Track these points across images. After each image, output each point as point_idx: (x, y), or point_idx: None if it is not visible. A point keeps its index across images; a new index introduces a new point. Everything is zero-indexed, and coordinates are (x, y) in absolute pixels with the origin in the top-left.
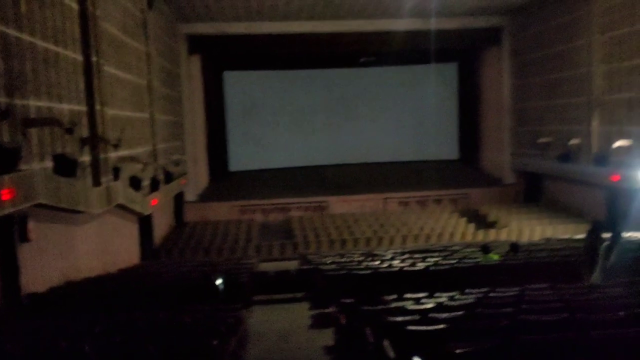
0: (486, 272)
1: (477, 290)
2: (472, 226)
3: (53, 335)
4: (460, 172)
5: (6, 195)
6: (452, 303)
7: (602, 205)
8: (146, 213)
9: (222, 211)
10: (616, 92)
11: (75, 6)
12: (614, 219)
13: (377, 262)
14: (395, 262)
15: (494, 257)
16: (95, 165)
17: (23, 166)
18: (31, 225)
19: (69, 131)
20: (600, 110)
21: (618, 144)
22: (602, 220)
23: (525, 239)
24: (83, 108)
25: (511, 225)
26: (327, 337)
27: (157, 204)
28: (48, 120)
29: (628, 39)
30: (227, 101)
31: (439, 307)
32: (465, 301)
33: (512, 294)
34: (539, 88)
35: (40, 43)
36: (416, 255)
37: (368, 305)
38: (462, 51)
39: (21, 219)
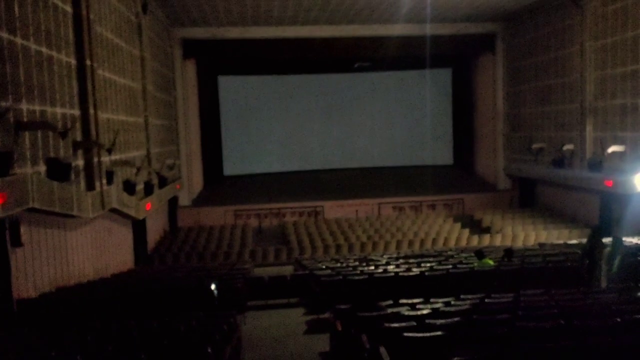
0: (481, 278)
1: (472, 295)
2: (466, 231)
3: (44, 344)
4: (455, 178)
5: None
6: (448, 309)
7: (596, 211)
8: (140, 217)
9: (217, 216)
10: (609, 99)
11: (69, 9)
12: (608, 224)
13: (372, 268)
14: (391, 268)
15: (489, 262)
16: (89, 169)
17: (16, 170)
18: (23, 229)
19: (62, 135)
20: (594, 116)
21: (612, 149)
22: (602, 225)
23: (519, 244)
24: (76, 112)
25: (505, 231)
26: (322, 342)
27: (151, 209)
28: (41, 124)
29: (620, 46)
30: (222, 106)
31: (435, 313)
32: (461, 307)
33: (507, 300)
34: (532, 94)
35: (34, 46)
36: (411, 261)
37: (364, 311)
38: (456, 57)
39: (13, 224)
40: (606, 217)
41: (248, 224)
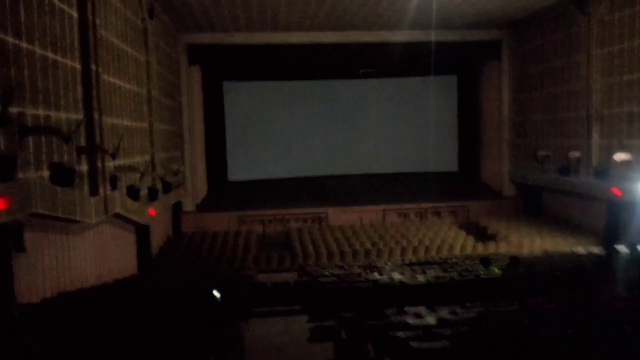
0: (486, 286)
1: (478, 304)
2: (471, 239)
3: (43, 353)
4: (460, 185)
5: (1, 204)
6: (454, 318)
7: (602, 219)
8: (144, 223)
9: (221, 221)
10: (616, 106)
11: (74, 14)
12: (614, 232)
13: (377, 275)
14: (395, 275)
15: (495, 270)
16: (93, 174)
17: (19, 175)
18: (26, 234)
19: (67, 140)
20: (600, 124)
21: (618, 157)
22: (620, 234)
23: (525, 251)
24: (81, 117)
25: (511, 238)
26: (326, 350)
27: (155, 214)
28: (45, 129)
29: (628, 53)
30: (227, 111)
31: (441, 322)
32: (467, 316)
33: (513, 308)
34: (538, 101)
35: (39, 51)
36: (416, 268)
37: (368, 319)
38: (462, 64)
39: (17, 229)
40: (612, 225)
41: (252, 229)
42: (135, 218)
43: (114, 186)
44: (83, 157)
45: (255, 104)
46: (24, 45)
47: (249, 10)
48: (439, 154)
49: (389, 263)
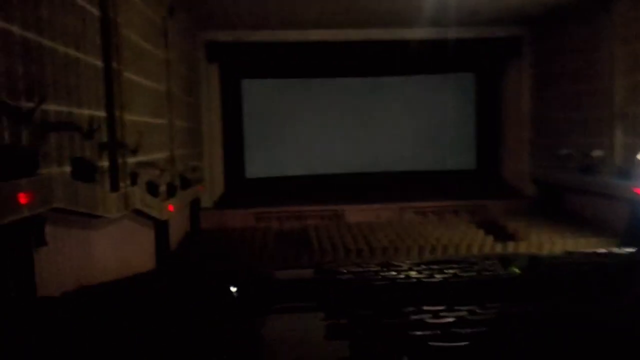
0: (506, 286)
1: (498, 304)
2: (490, 238)
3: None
4: (478, 183)
5: (24, 198)
6: (474, 317)
7: (624, 219)
8: (163, 219)
9: (238, 218)
10: (639, 104)
11: (96, 12)
12: (636, 233)
13: (394, 273)
14: (413, 273)
15: (514, 270)
16: (114, 170)
17: (41, 170)
18: (47, 228)
19: (88, 136)
20: (623, 122)
21: None
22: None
23: (545, 252)
24: (102, 113)
25: (531, 238)
26: (342, 348)
27: (173, 210)
28: (67, 125)
29: None
30: (245, 109)
31: (461, 322)
32: (487, 316)
33: (536, 309)
34: (559, 99)
35: (61, 48)
36: (434, 267)
37: (386, 317)
38: (481, 61)
39: (38, 223)
40: (635, 225)
41: (269, 226)
42: (154, 214)
43: (134, 182)
44: (104, 153)
45: (274, 101)
46: (47, 42)
47: (268, 8)
48: (457, 152)
49: (406, 261)
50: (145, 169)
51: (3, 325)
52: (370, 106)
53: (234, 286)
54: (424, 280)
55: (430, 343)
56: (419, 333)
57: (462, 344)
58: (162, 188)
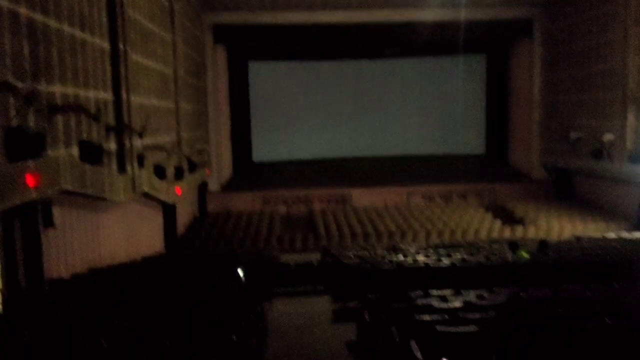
0: (515, 271)
1: (506, 289)
2: (498, 222)
3: (71, 326)
4: (487, 167)
5: (31, 180)
6: (482, 302)
7: (635, 204)
8: (170, 202)
9: (245, 202)
10: None
11: None
12: None
13: (401, 257)
14: (420, 258)
15: (524, 255)
16: (121, 153)
17: (48, 152)
18: (56, 211)
19: (95, 118)
20: (635, 106)
21: None
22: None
23: (554, 236)
24: (109, 96)
25: (539, 222)
26: (349, 332)
27: (181, 193)
28: (74, 107)
29: None
30: (252, 92)
31: (468, 307)
32: (495, 301)
33: (544, 294)
34: (570, 81)
35: (67, 29)
36: (441, 251)
37: (393, 301)
38: (491, 43)
39: (45, 205)
40: None
41: (276, 210)
42: (161, 197)
43: (141, 165)
44: (111, 135)
45: (280, 84)
46: (53, 23)
47: None
48: (466, 135)
49: (413, 245)
50: (152, 152)
51: (13, 306)
52: (378, 89)
53: (241, 270)
54: (431, 264)
55: (437, 328)
56: (426, 317)
57: (470, 329)
58: (170, 171)
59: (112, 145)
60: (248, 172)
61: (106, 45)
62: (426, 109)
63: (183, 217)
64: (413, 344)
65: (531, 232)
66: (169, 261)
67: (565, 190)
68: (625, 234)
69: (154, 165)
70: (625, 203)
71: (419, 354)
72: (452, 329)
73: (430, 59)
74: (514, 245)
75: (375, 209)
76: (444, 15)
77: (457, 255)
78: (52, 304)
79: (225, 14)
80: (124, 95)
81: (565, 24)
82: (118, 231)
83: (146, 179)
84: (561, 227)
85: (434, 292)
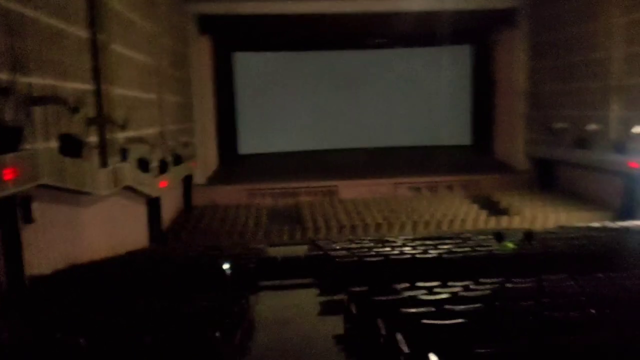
0: (500, 261)
1: (491, 280)
2: (484, 213)
3: (50, 323)
4: (473, 158)
5: (8, 174)
6: (468, 294)
7: (619, 194)
8: (154, 195)
9: (231, 195)
10: (636, 77)
11: None
12: (631, 208)
13: (388, 249)
14: (407, 249)
15: (509, 245)
16: (102, 146)
17: (27, 146)
18: (35, 206)
19: (75, 110)
20: (619, 95)
21: (637, 130)
22: (637, 209)
23: (538, 226)
24: (90, 87)
25: (524, 213)
26: (336, 325)
27: (165, 186)
28: (52, 99)
29: None
30: (237, 83)
31: (454, 298)
32: (481, 292)
33: (529, 285)
34: (555, 71)
35: (45, 19)
36: (428, 242)
37: (379, 294)
38: (477, 33)
39: (25, 200)
40: (630, 200)
41: (262, 203)
42: (145, 190)
43: (124, 158)
44: (93, 128)
45: (266, 75)
46: (29, 13)
47: None
48: (451, 126)
49: (400, 237)
50: (135, 145)
51: None
52: (364, 80)
53: (227, 264)
54: (417, 256)
55: (424, 321)
56: (413, 310)
57: (457, 321)
58: (154, 164)
59: (94, 138)
60: (234, 165)
61: (86, 35)
62: (412, 100)
63: (168, 211)
64: (399, 337)
65: (516, 223)
66: (153, 256)
67: (550, 180)
68: (609, 224)
69: (138, 158)
70: (609, 193)
71: (405, 347)
72: (437, 322)
73: (415, 49)
74: (499, 236)
75: (362, 200)
76: (428, 5)
77: (444, 247)
78: (32, 301)
79: (209, 4)
80: (105, 87)
81: (550, 14)
82: (101, 226)
83: (129, 172)
84: (545, 217)
85: (421, 284)
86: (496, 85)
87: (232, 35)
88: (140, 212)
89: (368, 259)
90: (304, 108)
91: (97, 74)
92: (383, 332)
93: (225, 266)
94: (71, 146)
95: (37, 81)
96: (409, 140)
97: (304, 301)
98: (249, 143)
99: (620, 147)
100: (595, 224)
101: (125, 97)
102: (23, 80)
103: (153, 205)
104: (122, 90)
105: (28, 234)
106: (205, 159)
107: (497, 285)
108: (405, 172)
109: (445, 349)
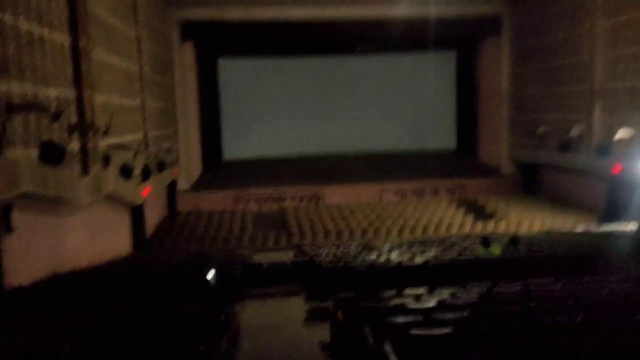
0: (487, 266)
1: (479, 285)
2: (469, 217)
3: (34, 332)
4: (458, 163)
5: None
6: (455, 301)
7: (603, 197)
8: (137, 203)
9: (216, 201)
10: (620, 80)
11: None
12: (614, 211)
13: (374, 256)
14: (393, 255)
15: (495, 250)
16: (84, 153)
17: (6, 154)
18: (15, 215)
19: (55, 117)
20: (602, 99)
21: (620, 134)
22: (620, 212)
23: (524, 230)
24: (71, 94)
25: (510, 217)
26: (322, 332)
27: (148, 194)
28: (32, 106)
29: (634, 23)
30: (221, 89)
31: (442, 306)
32: (468, 299)
33: (516, 289)
34: (538, 76)
35: (24, 25)
36: (414, 248)
37: (366, 300)
38: (461, 39)
39: (5, 208)
40: (613, 203)
41: (247, 209)
42: (128, 198)
43: (106, 165)
44: (74, 135)
45: (250, 81)
46: (8, 18)
47: None
48: (437, 131)
49: (387, 243)
50: (117, 152)
51: None
52: (349, 86)
53: (211, 271)
54: (404, 262)
55: (412, 331)
56: (401, 320)
57: (445, 330)
58: (137, 171)
59: (75, 145)
60: (218, 171)
61: (66, 41)
62: (397, 106)
63: (152, 218)
64: (387, 348)
65: (502, 227)
66: (137, 263)
67: (534, 184)
68: (594, 228)
69: (120, 165)
70: (594, 196)
71: (392, 356)
72: (426, 332)
73: (401, 55)
74: (486, 241)
75: (348, 206)
76: (414, 11)
77: (430, 252)
78: (11, 312)
79: (193, 10)
80: (86, 93)
81: (533, 19)
82: (83, 234)
83: (111, 180)
84: (531, 221)
85: (409, 291)
86: (480, 90)
87: (216, 41)
88: (123, 219)
89: (355, 265)
90: (289, 114)
91: (78, 80)
92: (370, 340)
93: (210, 274)
94: (52, 154)
95: (17, 88)
96: (395, 145)
97: (290, 308)
98: (234, 149)
99: (603, 151)
100: (580, 228)
101: (107, 104)
102: (2, 87)
103: (136, 212)
104: (104, 97)
105: (8, 243)
106: (190, 165)
107: (484, 290)
108: (391, 178)
109: (434, 358)
